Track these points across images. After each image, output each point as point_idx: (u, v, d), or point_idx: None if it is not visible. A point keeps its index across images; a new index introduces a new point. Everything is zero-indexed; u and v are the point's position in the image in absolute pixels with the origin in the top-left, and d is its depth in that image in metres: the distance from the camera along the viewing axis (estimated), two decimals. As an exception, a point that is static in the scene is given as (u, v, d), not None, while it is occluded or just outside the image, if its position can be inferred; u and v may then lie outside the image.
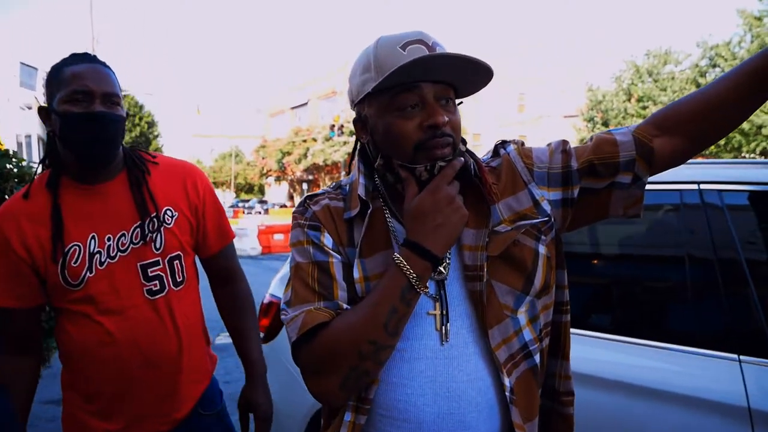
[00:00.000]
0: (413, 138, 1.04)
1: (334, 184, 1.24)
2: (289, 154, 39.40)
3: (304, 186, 44.39)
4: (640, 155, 1.11)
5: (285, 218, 25.22)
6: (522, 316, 1.12)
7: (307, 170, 39.20)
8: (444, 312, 1.09)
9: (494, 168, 1.19)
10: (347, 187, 1.20)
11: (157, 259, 1.58)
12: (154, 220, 1.58)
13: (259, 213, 41.62)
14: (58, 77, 1.48)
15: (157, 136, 40.70)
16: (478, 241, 1.10)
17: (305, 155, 38.00)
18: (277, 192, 51.61)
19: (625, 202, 1.15)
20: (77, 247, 1.50)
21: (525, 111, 36.50)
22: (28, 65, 22.84)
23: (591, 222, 1.20)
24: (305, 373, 1.07)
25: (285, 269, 2.89)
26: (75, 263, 1.50)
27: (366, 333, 1.01)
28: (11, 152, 2.98)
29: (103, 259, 1.52)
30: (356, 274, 1.09)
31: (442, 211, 1.02)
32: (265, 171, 44.77)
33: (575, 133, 28.07)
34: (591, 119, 27.32)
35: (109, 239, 1.53)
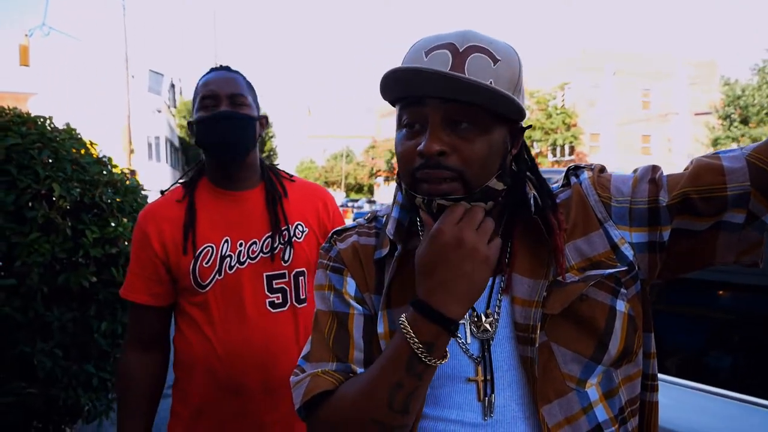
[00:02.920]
0: (410, 162, 0.86)
1: (370, 214, 1.07)
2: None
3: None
4: (756, 188, 0.84)
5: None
6: (593, 389, 0.90)
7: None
8: (488, 378, 0.89)
9: (563, 201, 0.96)
10: (383, 219, 1.03)
11: (283, 271, 1.60)
12: (285, 233, 1.62)
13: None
14: (195, 90, 1.60)
15: (272, 137, 42.57)
16: (533, 294, 0.89)
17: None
18: (385, 192, 52.28)
19: (737, 248, 0.88)
20: (210, 248, 1.56)
21: (650, 107, 34.13)
22: (155, 72, 24.78)
23: (690, 271, 0.94)
24: None
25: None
26: (207, 263, 1.55)
27: (367, 411, 0.84)
28: (106, 158, 3.09)
29: (232, 264, 1.56)
30: (380, 327, 0.93)
31: (449, 259, 0.81)
32: (374, 171, 45.55)
33: (708, 133, 25.91)
34: (727, 116, 25.05)
35: (241, 245, 1.58)
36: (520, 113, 0.86)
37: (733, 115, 24.80)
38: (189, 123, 1.64)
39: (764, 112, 23.35)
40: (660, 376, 1.61)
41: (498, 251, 0.84)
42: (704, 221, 0.87)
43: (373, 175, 47.63)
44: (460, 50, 0.84)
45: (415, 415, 0.86)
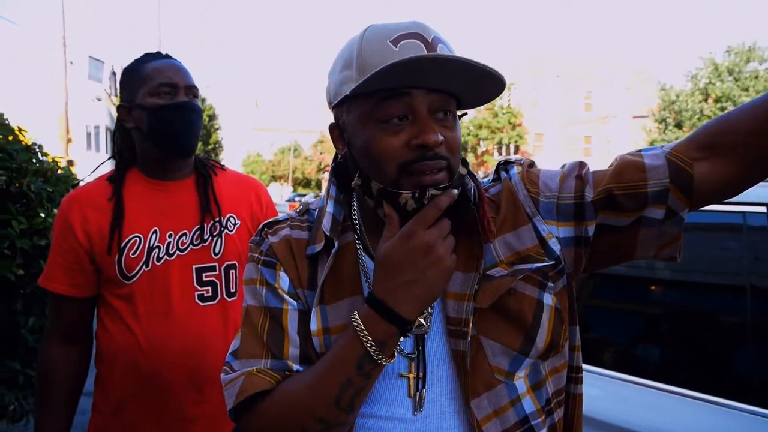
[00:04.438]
0: (398, 158, 0.84)
1: (300, 207, 1.06)
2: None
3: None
4: (675, 185, 0.87)
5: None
6: (520, 381, 0.91)
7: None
8: (421, 375, 0.89)
9: (493, 196, 0.97)
10: (315, 213, 1.02)
11: (213, 264, 1.57)
12: (217, 224, 1.60)
13: (315, 208, 42.00)
14: (138, 74, 1.54)
15: (217, 129, 41.68)
16: (464, 288, 0.89)
17: (363, 151, 38.14)
18: (334, 187, 51.97)
19: (657, 242, 0.91)
20: (137, 238, 1.52)
21: (592, 110, 35.22)
22: (96, 59, 23.84)
23: (612, 265, 0.97)
24: None
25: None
26: (133, 254, 1.51)
27: (312, 409, 0.83)
28: (37, 146, 2.96)
29: (161, 255, 1.53)
30: (314, 324, 0.91)
31: (416, 263, 0.81)
32: (322, 166, 45.28)
33: (645, 135, 26.96)
34: (663, 120, 26.13)
35: (170, 236, 1.54)
36: (501, 91, 0.89)
37: (668, 119, 25.86)
38: (123, 106, 1.57)
39: (696, 117, 24.43)
40: (588, 367, 1.66)
41: (455, 263, 0.85)
42: (626, 216, 0.90)
43: (321, 170, 47.38)
44: (429, 40, 0.85)
45: (356, 413, 0.86)
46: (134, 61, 1.60)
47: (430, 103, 0.85)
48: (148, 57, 1.60)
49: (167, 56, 1.61)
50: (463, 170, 0.91)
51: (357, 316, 0.83)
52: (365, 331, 0.81)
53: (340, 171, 1.00)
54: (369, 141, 0.86)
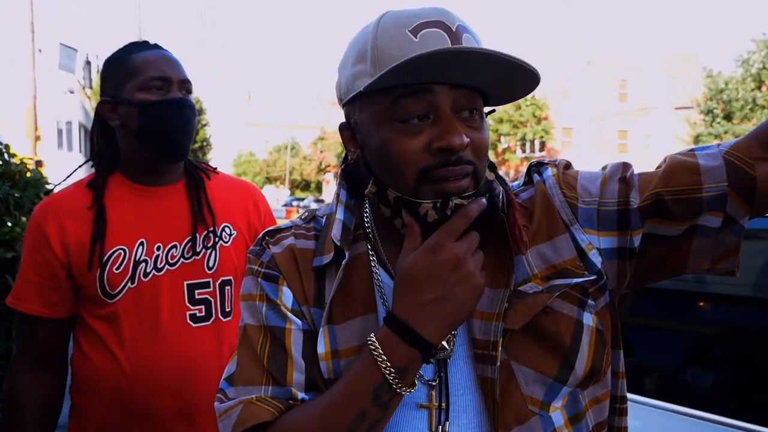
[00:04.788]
0: (418, 163, 0.84)
1: (305, 213, 1.05)
2: (350, 147, 39.80)
3: (367, 184, 44.91)
4: (734, 188, 0.86)
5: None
6: (557, 413, 0.90)
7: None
8: (443, 405, 0.89)
9: (525, 201, 0.97)
10: (323, 220, 1.01)
11: (207, 279, 1.57)
12: (210, 234, 1.59)
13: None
14: (125, 66, 1.54)
15: (205, 125, 41.92)
16: (493, 306, 0.89)
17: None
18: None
19: (712, 254, 0.91)
20: (122, 251, 1.51)
21: (627, 101, 35.17)
22: (68, 46, 23.99)
23: (661, 279, 0.97)
24: None
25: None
26: (117, 269, 1.50)
27: None
28: (2, 146, 2.99)
29: (148, 270, 1.52)
30: (321, 347, 0.91)
31: (444, 279, 0.81)
32: (323, 166, 45.46)
33: (689, 129, 26.86)
34: (710, 111, 26.04)
35: (158, 248, 1.53)
36: (506, 102, 0.93)
37: (715, 110, 25.76)
38: (106, 102, 1.56)
39: (749, 107, 24.34)
40: (631, 396, 1.65)
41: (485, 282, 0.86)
42: (678, 225, 0.89)
43: (321, 170, 47.56)
44: (453, 29, 0.85)
45: None
46: (119, 50, 1.59)
47: (454, 101, 0.85)
48: (135, 46, 1.59)
49: (156, 46, 1.61)
50: (490, 175, 0.91)
51: (374, 339, 0.82)
52: (384, 356, 0.80)
53: (350, 173, 1.00)
54: (385, 143, 0.87)
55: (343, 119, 0.97)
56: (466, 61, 0.80)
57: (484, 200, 0.85)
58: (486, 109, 0.92)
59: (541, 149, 34.63)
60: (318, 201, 48.13)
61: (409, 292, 0.82)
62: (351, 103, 0.92)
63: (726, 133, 25.01)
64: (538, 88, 0.88)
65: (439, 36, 0.84)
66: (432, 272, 0.81)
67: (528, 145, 34.79)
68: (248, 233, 1.67)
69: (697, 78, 28.49)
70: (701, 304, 2.12)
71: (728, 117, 25.21)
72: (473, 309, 0.85)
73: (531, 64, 0.81)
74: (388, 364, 0.80)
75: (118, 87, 1.54)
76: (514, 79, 0.85)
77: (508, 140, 34.18)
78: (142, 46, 1.60)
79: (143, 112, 1.50)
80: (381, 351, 0.81)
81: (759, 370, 1.81)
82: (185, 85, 1.56)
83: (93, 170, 1.79)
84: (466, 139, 0.83)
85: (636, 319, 2.17)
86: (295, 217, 1.07)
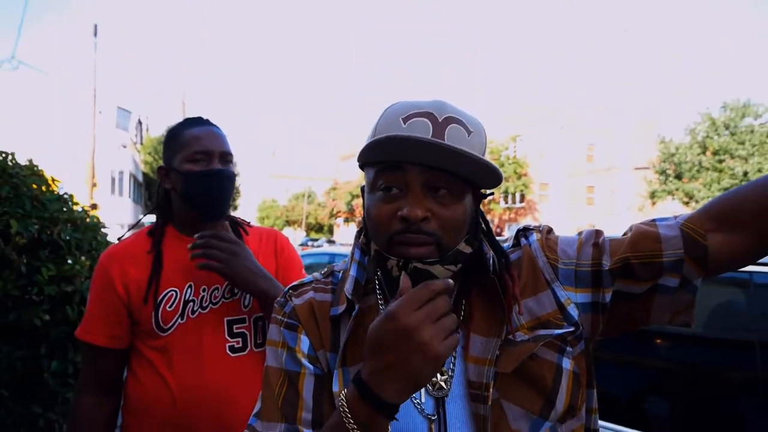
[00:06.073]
0: (387, 226, 0.86)
1: (326, 270, 1.06)
2: (358, 196, 40.02)
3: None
4: (689, 255, 0.87)
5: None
6: None
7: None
8: None
9: (513, 262, 0.97)
10: (339, 275, 1.02)
11: (244, 316, 1.59)
12: None
13: (327, 252, 42.02)
14: (178, 140, 1.58)
15: (236, 176, 42.12)
16: (486, 352, 0.89)
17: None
18: (345, 232, 52.21)
19: (672, 309, 0.91)
20: (174, 293, 1.55)
21: (594, 161, 35.38)
22: (123, 109, 24.42)
23: (628, 330, 0.96)
24: None
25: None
26: (170, 307, 1.53)
27: None
28: (67, 196, 3.00)
29: (195, 308, 1.55)
30: (335, 386, 0.90)
31: (397, 347, 0.74)
32: (334, 212, 45.53)
33: (646, 186, 26.93)
34: (663, 172, 26.13)
35: (204, 290, 1.57)
36: (498, 182, 0.87)
37: (668, 171, 25.85)
38: (162, 168, 1.62)
39: (695, 168, 24.43)
40: (602, 423, 1.62)
41: (454, 348, 0.75)
42: (642, 285, 0.90)
43: (333, 215, 47.67)
44: (439, 120, 0.86)
45: None
46: (177, 124, 1.65)
47: (426, 179, 0.85)
48: (189, 123, 1.63)
49: (207, 122, 1.65)
50: (466, 248, 0.89)
51: (343, 397, 0.78)
52: (349, 414, 0.76)
53: (365, 233, 1.01)
54: (370, 206, 0.90)
55: (351, 173, 0.99)
56: (428, 147, 0.81)
57: (450, 281, 0.77)
58: (485, 191, 0.93)
59: (521, 201, 34.71)
60: (330, 241, 48.07)
61: (371, 356, 0.76)
62: (363, 170, 0.96)
63: (677, 189, 25.08)
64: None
65: (424, 125, 0.85)
66: (386, 341, 0.75)
67: (510, 197, 34.91)
68: (275, 272, 1.68)
69: (653, 143, 28.68)
70: (658, 341, 2.10)
71: (679, 176, 25.29)
72: (433, 374, 0.75)
73: (490, 162, 0.82)
74: (352, 421, 0.76)
75: (172, 157, 1.59)
76: (479, 169, 0.84)
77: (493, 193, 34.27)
78: (196, 122, 1.63)
79: (187, 180, 1.55)
80: (347, 409, 0.77)
81: (703, 399, 1.79)
82: (226, 156, 1.59)
83: (141, 217, 1.86)
84: (421, 213, 0.83)
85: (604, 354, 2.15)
86: (317, 273, 1.06)
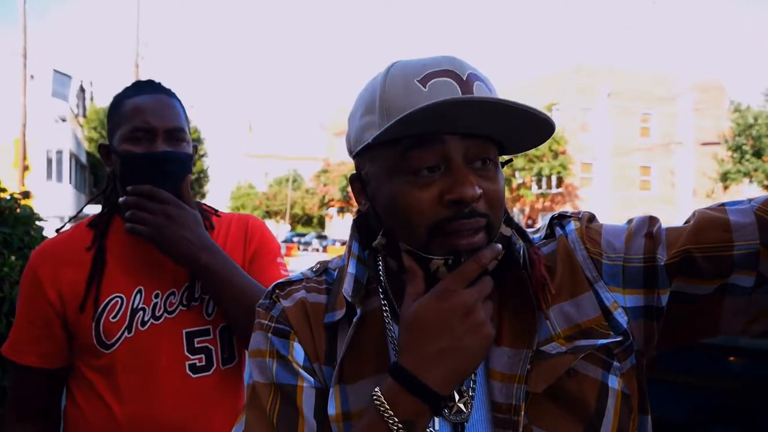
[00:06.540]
0: (428, 216, 0.86)
1: (317, 265, 1.07)
2: (354, 182, 39.95)
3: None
4: (767, 247, 0.87)
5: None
6: None
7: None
8: None
9: (546, 256, 0.98)
10: (334, 273, 1.03)
11: (207, 327, 1.57)
12: None
13: (317, 251, 42.18)
14: (118, 111, 1.56)
15: (203, 155, 42.26)
16: (514, 367, 0.89)
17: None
18: (339, 226, 52.27)
19: (746, 315, 0.91)
20: (119, 299, 1.52)
21: (650, 135, 35.31)
22: (61, 73, 24.37)
23: (690, 342, 0.97)
24: None
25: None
26: (114, 318, 1.51)
27: None
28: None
29: (146, 318, 1.53)
30: (332, 408, 0.91)
31: (453, 328, 0.82)
32: (326, 200, 45.54)
33: (716, 166, 26.85)
34: (738, 148, 26.05)
35: (156, 296, 1.55)
36: (522, 150, 0.94)
37: (744, 147, 25.75)
38: (104, 146, 1.60)
39: (779, 144, 24.36)
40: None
41: (494, 335, 0.86)
42: (708, 284, 0.89)
43: (324, 204, 47.62)
44: (464, 78, 0.87)
45: None
46: (122, 91, 1.61)
47: (466, 151, 0.87)
48: (134, 88, 1.60)
49: (157, 88, 1.60)
50: (507, 230, 0.92)
51: (379, 392, 0.82)
52: (389, 411, 0.80)
53: (363, 224, 1.02)
54: (395, 196, 0.89)
55: (347, 153, 1.00)
56: (476, 110, 0.83)
57: (499, 246, 0.86)
58: (504, 158, 0.94)
59: (558, 185, 34.64)
60: (320, 237, 48.13)
61: (415, 341, 0.82)
62: (361, 155, 0.95)
63: (756, 170, 24.99)
64: (556, 120, 0.90)
65: (449, 85, 0.86)
66: (440, 320, 0.82)
67: (544, 180, 34.78)
68: (241, 261, 1.64)
69: (724, 112, 28.57)
70: (731, 358, 2.11)
71: (758, 154, 25.19)
72: (483, 360, 0.85)
73: (544, 112, 0.83)
74: (396, 419, 0.80)
75: (113, 132, 1.56)
76: (527, 127, 0.87)
77: (523, 175, 34.17)
78: (142, 87, 1.60)
79: (124, 164, 1.52)
80: (387, 405, 0.81)
81: None
82: (173, 133, 1.54)
83: (84, 206, 1.85)
84: (479, 190, 0.85)
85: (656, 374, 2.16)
86: (296, 253, 1.08)
